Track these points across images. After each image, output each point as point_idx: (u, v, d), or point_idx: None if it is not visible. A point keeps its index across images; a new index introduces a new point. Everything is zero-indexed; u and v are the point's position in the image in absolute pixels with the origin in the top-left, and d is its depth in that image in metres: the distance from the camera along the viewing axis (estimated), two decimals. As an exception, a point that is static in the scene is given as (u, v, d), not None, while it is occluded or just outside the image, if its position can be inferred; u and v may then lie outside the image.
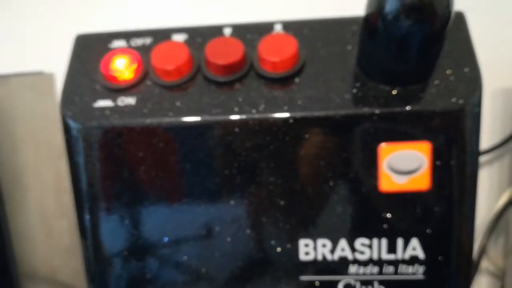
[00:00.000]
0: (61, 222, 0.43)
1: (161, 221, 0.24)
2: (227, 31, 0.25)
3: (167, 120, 0.22)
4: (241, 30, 0.24)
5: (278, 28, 0.24)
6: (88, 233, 0.25)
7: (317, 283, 0.23)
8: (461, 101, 0.21)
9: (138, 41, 0.25)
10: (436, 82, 0.21)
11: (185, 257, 0.24)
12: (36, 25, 0.46)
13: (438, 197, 0.22)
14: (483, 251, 0.38)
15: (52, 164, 0.43)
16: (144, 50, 0.24)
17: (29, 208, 0.41)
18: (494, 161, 0.42)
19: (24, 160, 0.40)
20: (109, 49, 0.25)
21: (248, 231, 0.23)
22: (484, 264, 0.41)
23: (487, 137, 0.41)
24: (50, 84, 0.42)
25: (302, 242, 0.23)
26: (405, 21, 0.19)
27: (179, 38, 0.25)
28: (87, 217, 0.24)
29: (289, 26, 0.24)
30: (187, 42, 0.24)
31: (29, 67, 0.42)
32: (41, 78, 0.42)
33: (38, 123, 0.42)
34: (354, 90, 0.22)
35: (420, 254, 0.22)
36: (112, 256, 0.25)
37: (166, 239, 0.24)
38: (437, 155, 0.21)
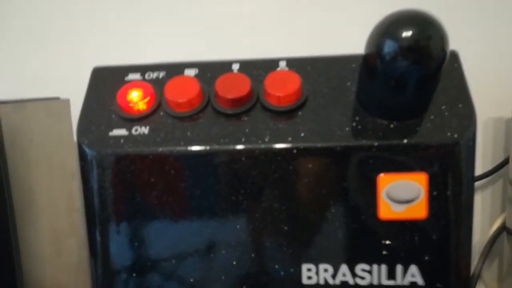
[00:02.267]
0: (71, 241, 0.43)
1: (168, 244, 0.24)
2: (235, 67, 0.25)
3: (178, 148, 0.23)
4: (248, 66, 0.25)
5: (282, 64, 0.25)
6: (98, 252, 0.25)
7: (319, 307, 0.23)
8: (456, 135, 0.21)
9: (152, 75, 0.26)
10: (431, 117, 0.22)
11: (191, 279, 0.24)
12: (54, 53, 0.48)
13: (435, 225, 0.22)
14: (477, 275, 0.37)
15: (65, 185, 0.43)
16: (158, 83, 0.25)
17: (40, 227, 0.41)
18: (486, 188, 0.42)
19: (37, 181, 0.41)
20: (125, 82, 0.25)
21: (253, 254, 0.23)
22: (479, 288, 0.41)
23: (480, 164, 0.41)
24: (65, 109, 0.43)
25: (304, 266, 0.23)
26: (402, 62, 0.20)
27: (191, 72, 0.25)
28: (98, 238, 0.25)
29: (292, 63, 0.25)
30: (198, 76, 0.25)
31: (45, 93, 0.43)
32: (57, 103, 0.43)
33: (52, 146, 0.42)
34: (354, 124, 0.22)
35: (419, 280, 0.23)
36: (120, 275, 0.25)
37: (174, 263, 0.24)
38: (434, 186, 0.22)
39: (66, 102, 0.43)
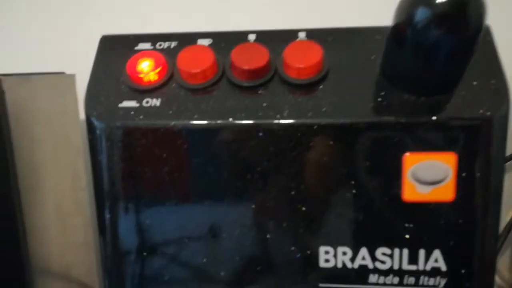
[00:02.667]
0: (76, 219, 0.43)
1: (180, 222, 0.23)
2: (252, 37, 0.24)
3: (191, 122, 0.22)
4: (265, 37, 0.24)
5: (302, 36, 0.23)
6: (108, 230, 0.24)
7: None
8: (488, 113, 0.20)
9: (164, 44, 0.24)
10: (462, 93, 0.21)
11: (204, 260, 0.23)
12: (59, 27, 0.46)
13: (462, 208, 0.21)
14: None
15: (70, 162, 0.42)
16: (170, 53, 0.24)
17: (45, 205, 0.40)
18: (506, 174, 0.41)
19: (42, 158, 0.40)
20: (135, 51, 0.24)
21: (268, 235, 0.22)
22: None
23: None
24: (71, 84, 0.42)
25: (322, 249, 0.22)
26: (435, 31, 0.18)
27: (204, 42, 0.24)
28: (107, 215, 0.24)
29: (313, 34, 0.23)
30: (212, 46, 0.24)
31: (51, 67, 0.42)
32: (63, 78, 0.42)
33: (56, 122, 0.41)
34: (379, 99, 0.21)
35: (443, 266, 0.21)
36: (129, 253, 0.24)
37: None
38: (463, 166, 0.20)
39: (72, 77, 0.42)
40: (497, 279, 0.40)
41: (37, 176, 0.40)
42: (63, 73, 0.42)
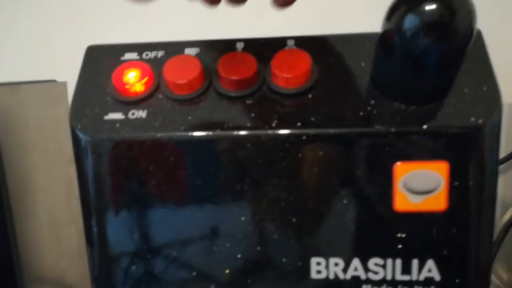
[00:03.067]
0: (70, 228, 0.42)
1: (168, 235, 0.23)
2: (239, 46, 0.23)
3: (178, 134, 0.21)
4: (253, 45, 0.23)
5: (290, 43, 0.23)
6: (95, 242, 0.23)
7: (327, 303, 0.22)
8: (480, 120, 0.19)
9: (150, 54, 0.24)
10: (453, 101, 0.20)
11: (193, 273, 0.23)
12: (50, 35, 0.46)
13: (455, 217, 0.20)
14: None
15: (62, 170, 0.42)
16: (156, 63, 0.23)
17: (38, 214, 0.40)
18: (499, 177, 0.40)
19: (34, 166, 0.39)
20: (121, 62, 0.23)
21: (258, 247, 0.22)
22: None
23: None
24: (62, 92, 0.41)
25: (314, 260, 0.22)
26: (424, 39, 0.18)
27: (192, 52, 0.23)
28: (94, 226, 0.23)
29: (301, 41, 0.23)
30: (199, 56, 0.23)
31: (42, 75, 0.41)
32: (54, 86, 0.41)
33: (48, 130, 0.40)
34: (369, 108, 0.21)
35: (436, 275, 0.21)
36: (117, 265, 0.23)
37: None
38: (455, 175, 0.20)
39: (63, 85, 0.41)
40: (495, 279, 0.40)
41: (28, 185, 0.39)
42: (54, 80, 0.42)
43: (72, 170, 0.43)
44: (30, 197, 0.39)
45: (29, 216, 0.40)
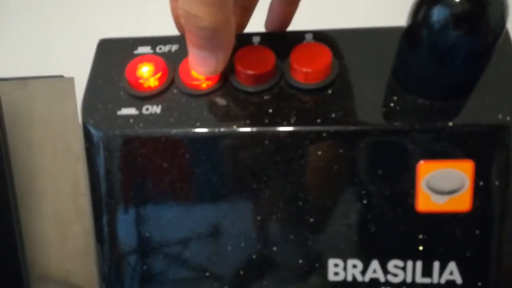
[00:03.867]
0: (76, 226, 0.41)
1: (180, 235, 0.22)
2: (256, 40, 0.23)
3: (194, 130, 0.20)
4: (270, 39, 0.22)
5: (309, 37, 0.22)
6: (105, 241, 0.23)
7: (345, 305, 0.21)
8: (508, 118, 0.19)
9: (164, 48, 0.23)
10: (479, 97, 0.19)
11: (206, 274, 0.22)
12: (57, 29, 0.45)
13: (479, 218, 0.20)
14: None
15: (69, 168, 0.41)
16: (170, 57, 0.22)
17: (44, 212, 0.39)
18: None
19: (41, 163, 0.39)
20: (134, 55, 0.23)
21: (274, 248, 0.21)
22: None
23: None
24: (69, 88, 0.41)
25: (331, 261, 0.21)
26: (453, 32, 0.17)
27: (206, 45, 0.23)
28: (104, 225, 0.22)
29: (320, 36, 0.22)
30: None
31: (49, 71, 0.41)
32: (61, 82, 0.40)
33: (55, 127, 0.40)
34: (391, 104, 0.20)
35: (458, 279, 0.20)
36: (127, 264, 0.23)
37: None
38: (480, 175, 0.19)
39: (71, 80, 0.41)
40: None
41: (35, 182, 0.38)
42: (61, 76, 0.41)
43: (79, 167, 0.42)
44: (36, 195, 0.38)
45: (35, 213, 0.39)
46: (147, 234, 0.22)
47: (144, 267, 0.22)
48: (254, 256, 0.21)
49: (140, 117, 0.21)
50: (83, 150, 0.43)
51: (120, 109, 0.21)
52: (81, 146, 0.42)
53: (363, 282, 0.21)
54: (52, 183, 0.39)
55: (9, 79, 0.37)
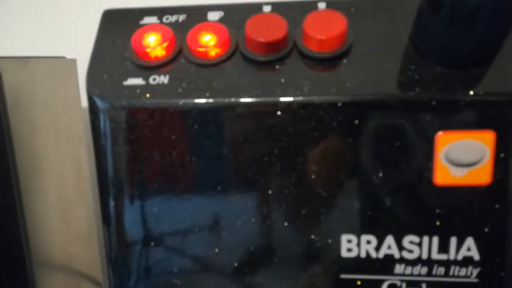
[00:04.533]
0: (79, 209, 0.41)
1: (191, 210, 0.21)
2: (266, 9, 0.22)
3: (203, 100, 0.20)
4: (281, 8, 0.22)
5: (322, 6, 0.21)
6: (112, 220, 0.22)
7: (359, 283, 0.21)
8: (531, 87, 0.18)
9: (171, 18, 0.22)
10: (501, 65, 0.18)
11: (215, 249, 0.21)
12: (60, 10, 0.44)
13: (499, 192, 0.19)
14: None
15: (72, 151, 0.40)
16: (178, 27, 0.21)
17: (47, 194, 0.38)
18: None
19: (43, 145, 0.38)
20: (140, 25, 0.22)
21: (285, 223, 0.20)
22: None
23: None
24: (72, 69, 0.40)
25: (344, 237, 0.20)
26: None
27: (215, 15, 0.22)
28: (111, 203, 0.22)
29: (334, 4, 0.21)
30: (223, 20, 0.22)
31: (51, 52, 0.40)
32: (63, 63, 0.39)
33: (58, 109, 0.39)
34: (409, 73, 0.19)
35: (475, 255, 0.20)
36: (135, 244, 0.22)
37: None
38: (502, 146, 0.18)
39: (73, 62, 0.40)
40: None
41: (37, 164, 0.38)
42: (63, 57, 0.40)
43: (82, 150, 0.41)
44: (38, 177, 0.38)
45: (38, 196, 0.38)
46: (154, 209, 0.21)
47: (155, 249, 0.22)
48: (264, 232, 0.21)
49: (147, 87, 0.20)
50: (85, 133, 0.42)
51: (126, 79, 0.21)
52: (84, 129, 0.41)
53: (377, 259, 0.20)
54: (54, 166, 0.38)
55: (11, 57, 0.36)
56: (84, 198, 0.41)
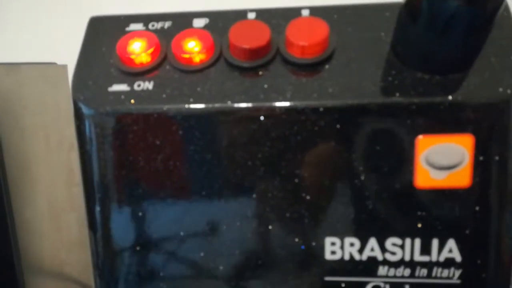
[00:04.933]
0: (70, 216, 0.41)
1: (177, 215, 0.21)
2: (251, 16, 0.22)
3: (187, 106, 0.20)
4: (265, 15, 0.22)
5: (305, 13, 0.21)
6: (98, 226, 0.22)
7: (343, 285, 0.21)
8: (508, 91, 0.18)
9: (156, 25, 0.22)
10: (479, 70, 0.19)
11: (201, 254, 0.21)
12: (50, 16, 0.44)
13: (479, 195, 0.19)
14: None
15: (63, 157, 0.40)
16: (163, 34, 0.22)
17: (37, 201, 0.38)
18: None
19: (34, 151, 0.38)
20: (125, 32, 0.22)
21: (270, 227, 0.21)
22: None
23: None
24: (62, 75, 0.40)
25: (328, 240, 0.20)
26: (453, 2, 0.16)
27: (200, 22, 0.22)
28: (97, 209, 0.22)
29: (317, 11, 0.21)
30: (208, 26, 0.22)
31: (42, 58, 0.40)
32: (54, 69, 0.40)
33: (49, 115, 0.39)
34: (390, 78, 0.19)
35: (457, 256, 0.20)
36: (122, 250, 0.22)
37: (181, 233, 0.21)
38: (480, 150, 0.19)
39: (64, 68, 0.40)
40: None
41: (28, 170, 0.38)
42: (54, 63, 0.40)
43: (72, 157, 0.41)
44: (29, 183, 0.38)
45: (28, 202, 0.38)
46: (140, 214, 0.21)
47: (142, 256, 0.22)
48: (249, 235, 0.21)
49: (132, 93, 0.20)
50: (76, 138, 0.42)
51: (111, 85, 0.21)
52: (75, 135, 0.41)
53: (360, 261, 0.20)
54: (45, 172, 0.38)
55: (1, 63, 0.36)
56: (75, 204, 0.41)
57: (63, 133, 0.40)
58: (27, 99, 0.37)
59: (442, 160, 0.19)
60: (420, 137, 0.19)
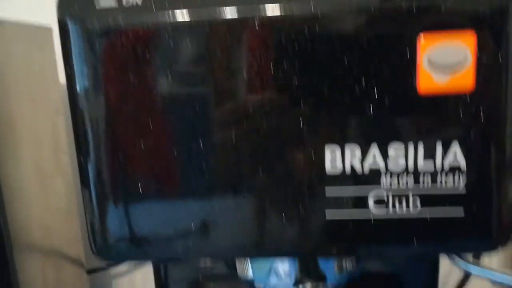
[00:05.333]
0: (57, 181, 0.39)
1: (169, 147, 0.20)
2: None
3: (178, 12, 0.19)
4: None
5: None
6: (88, 146, 0.21)
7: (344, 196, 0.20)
8: (509, -14, 0.18)
9: None
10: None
11: (202, 176, 0.20)
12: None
13: (482, 98, 0.18)
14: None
15: (49, 121, 0.39)
16: None
17: (23, 165, 0.37)
18: None
19: (18, 111, 0.36)
20: None
21: (264, 136, 0.20)
22: None
23: None
24: (47, 38, 0.39)
25: (328, 148, 0.19)
26: None
27: None
28: (85, 126, 0.20)
29: None
30: None
31: (29, 18, 0.38)
32: (39, 31, 0.38)
33: (34, 77, 0.37)
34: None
35: (461, 161, 0.19)
36: (113, 198, 0.21)
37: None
38: (483, 48, 0.18)
39: (48, 31, 0.38)
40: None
41: (12, 128, 0.36)
42: (39, 25, 0.39)
43: (59, 121, 0.40)
44: (13, 141, 0.36)
45: (14, 164, 0.36)
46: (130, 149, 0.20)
47: (132, 205, 0.21)
48: (245, 144, 0.20)
49: (120, 9, 0.19)
50: (62, 102, 0.40)
51: (98, 1, 0.20)
52: (61, 98, 0.39)
53: (362, 170, 0.20)
54: (30, 133, 0.37)
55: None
56: (62, 171, 0.40)
57: (49, 96, 0.39)
58: (12, 58, 0.35)
59: (445, 59, 0.18)
60: (422, 35, 0.18)
